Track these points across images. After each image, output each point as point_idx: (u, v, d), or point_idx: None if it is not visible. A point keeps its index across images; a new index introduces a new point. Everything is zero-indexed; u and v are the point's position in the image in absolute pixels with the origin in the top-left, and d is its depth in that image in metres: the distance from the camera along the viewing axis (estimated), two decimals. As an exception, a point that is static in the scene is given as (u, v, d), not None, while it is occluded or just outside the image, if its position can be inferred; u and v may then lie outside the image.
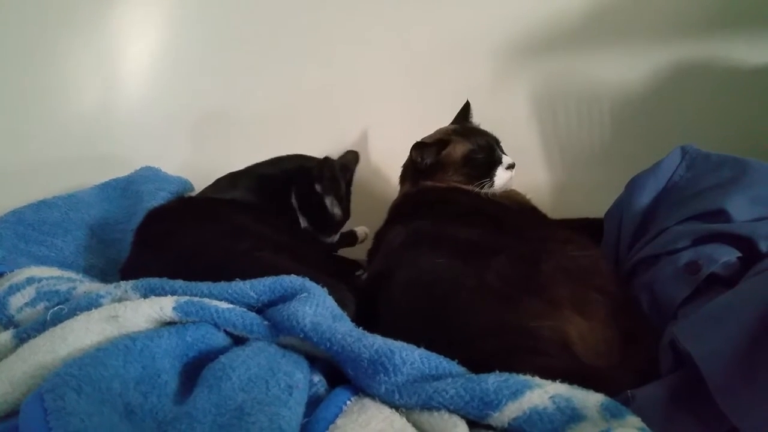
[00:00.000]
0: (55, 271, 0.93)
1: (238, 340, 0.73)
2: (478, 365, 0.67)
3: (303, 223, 1.20)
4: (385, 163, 1.56)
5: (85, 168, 1.42)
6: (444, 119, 1.37)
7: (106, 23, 1.48)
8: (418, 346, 0.68)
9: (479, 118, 1.36)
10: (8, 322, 0.83)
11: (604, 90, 1.50)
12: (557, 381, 0.62)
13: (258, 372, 0.64)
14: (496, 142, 1.27)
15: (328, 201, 1.20)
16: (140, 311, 0.70)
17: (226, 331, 0.73)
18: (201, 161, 1.54)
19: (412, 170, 1.28)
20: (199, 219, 1.04)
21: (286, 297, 0.75)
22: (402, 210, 1.21)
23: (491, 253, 0.88)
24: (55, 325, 0.70)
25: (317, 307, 0.72)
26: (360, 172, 1.32)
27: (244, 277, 0.78)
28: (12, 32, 1.38)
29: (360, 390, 0.67)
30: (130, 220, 1.17)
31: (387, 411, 0.63)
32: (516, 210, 1.18)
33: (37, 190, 1.25)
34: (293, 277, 0.77)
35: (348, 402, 0.65)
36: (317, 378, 0.69)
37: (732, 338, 0.60)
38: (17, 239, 1.12)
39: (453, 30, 1.53)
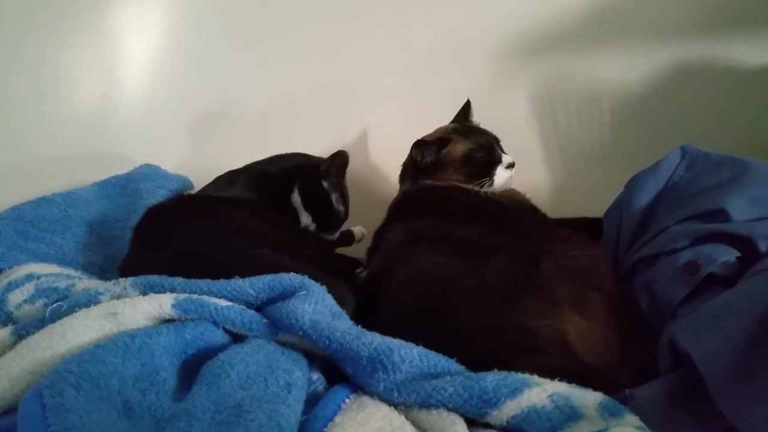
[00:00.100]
0: (54, 268, 0.94)
1: (237, 338, 0.73)
2: (476, 364, 0.67)
3: (303, 221, 1.20)
4: (385, 162, 1.56)
5: (84, 165, 1.42)
6: (444, 118, 1.37)
7: (105, 21, 1.48)
8: (417, 345, 0.68)
9: (479, 118, 1.36)
10: (7, 319, 0.83)
11: (604, 90, 1.50)
12: (556, 380, 0.62)
13: (257, 369, 0.64)
14: (496, 141, 1.27)
15: (334, 198, 1.21)
16: (139, 308, 0.70)
17: (225, 329, 0.73)
18: (200, 159, 1.54)
19: (412, 169, 1.28)
20: (199, 217, 1.04)
21: (285, 295, 0.75)
22: (402, 209, 1.22)
23: (491, 252, 0.89)
24: (53, 321, 0.70)
25: (316, 305, 0.72)
26: (360, 171, 1.33)
27: (243, 275, 0.78)
28: (11, 30, 1.37)
29: (359, 388, 0.67)
30: (130, 217, 1.17)
31: (385, 409, 0.63)
32: (515, 209, 1.18)
33: (36, 187, 1.25)
34: (292, 275, 0.77)
35: (347, 400, 0.65)
36: (316, 376, 0.69)
37: (731, 338, 0.60)
38: (16, 236, 1.12)
39: (453, 29, 1.53)
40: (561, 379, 0.62)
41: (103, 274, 1.09)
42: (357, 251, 1.29)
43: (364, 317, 0.79)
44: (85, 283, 0.87)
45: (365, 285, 1.00)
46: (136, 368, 0.62)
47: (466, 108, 1.37)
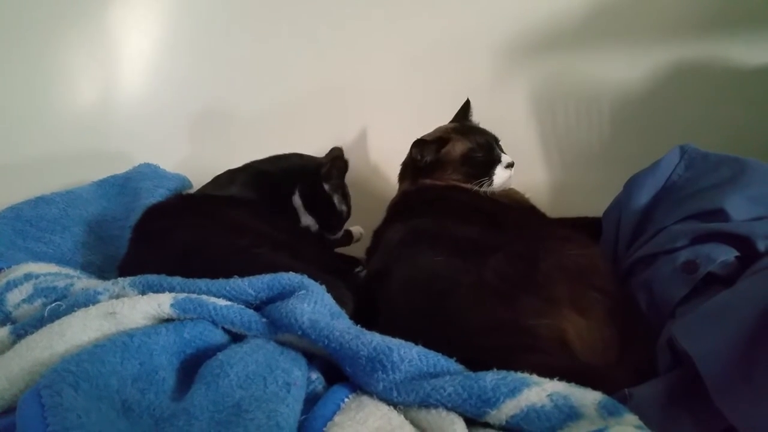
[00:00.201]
0: (52, 268, 0.94)
1: (236, 338, 0.73)
2: (476, 363, 0.67)
3: (304, 221, 1.20)
4: (385, 161, 1.56)
5: (83, 165, 1.42)
6: (443, 118, 1.37)
7: (104, 19, 1.48)
8: (416, 344, 0.68)
9: (479, 117, 1.36)
10: (5, 318, 0.83)
11: (604, 90, 1.50)
12: (555, 379, 0.62)
13: (256, 369, 0.64)
14: (496, 140, 1.27)
15: (336, 199, 1.21)
16: (138, 308, 0.70)
17: (224, 328, 0.73)
18: (199, 158, 1.54)
19: (411, 168, 1.28)
20: (198, 216, 1.04)
21: (285, 294, 0.75)
22: (401, 208, 1.21)
23: (490, 251, 0.89)
24: (52, 321, 0.70)
25: (315, 305, 0.72)
26: (359, 170, 1.32)
27: (242, 274, 0.78)
28: (10, 28, 1.37)
29: (358, 387, 0.67)
30: (128, 217, 1.17)
31: (385, 408, 0.63)
32: (515, 209, 1.18)
33: (35, 187, 1.25)
34: (291, 275, 0.77)
35: (346, 399, 0.65)
36: (315, 375, 0.69)
37: (730, 337, 0.60)
38: (15, 235, 1.12)
39: (453, 29, 1.53)
40: (560, 379, 0.62)
41: (102, 273, 1.09)
42: (356, 250, 1.29)
43: (364, 316, 0.79)
44: (84, 282, 0.87)
45: (364, 284, 1.00)
46: (134, 368, 0.62)
47: (466, 107, 1.37)
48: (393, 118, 1.54)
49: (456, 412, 0.62)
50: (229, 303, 0.74)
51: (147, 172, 1.34)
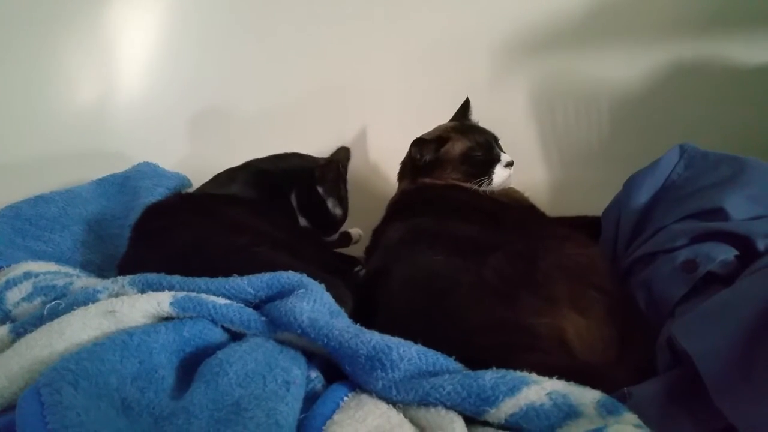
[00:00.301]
0: (52, 266, 0.93)
1: (236, 336, 0.73)
2: (475, 362, 0.67)
3: (301, 220, 1.20)
4: (384, 160, 1.56)
5: (82, 163, 1.41)
6: (443, 117, 1.37)
7: (104, 18, 1.48)
8: (416, 343, 0.68)
9: (478, 116, 1.36)
10: (5, 317, 0.83)
11: (603, 88, 1.50)
12: (554, 378, 0.62)
13: (255, 368, 0.64)
14: (495, 139, 1.27)
15: (330, 203, 1.21)
16: (137, 306, 0.70)
17: (223, 327, 0.73)
18: (199, 157, 1.53)
19: (410, 167, 1.28)
20: (197, 215, 1.03)
21: (284, 293, 0.75)
22: (400, 207, 1.21)
23: (489, 250, 0.89)
24: (52, 320, 0.70)
25: (315, 304, 0.72)
26: (358, 169, 1.32)
27: (241, 273, 0.78)
28: (8, 27, 1.37)
29: (357, 386, 0.67)
30: (128, 215, 1.17)
31: (384, 407, 0.63)
32: (514, 208, 1.18)
33: (34, 185, 1.25)
34: (291, 273, 0.77)
35: (345, 398, 0.65)
36: (314, 374, 0.69)
37: (729, 336, 0.60)
38: (14, 234, 1.12)
39: (452, 28, 1.53)
40: (559, 378, 0.62)
41: (101, 272, 1.09)
42: (355, 250, 1.29)
43: (363, 315, 0.79)
44: (84, 281, 0.87)
45: (364, 283, 1.00)
46: (134, 366, 0.62)
47: (465, 106, 1.37)
48: (392, 117, 1.54)
49: (455, 410, 0.62)
50: (228, 302, 0.73)
51: (146, 171, 1.34)
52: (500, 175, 1.20)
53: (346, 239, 1.32)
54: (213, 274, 0.78)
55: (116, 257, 1.06)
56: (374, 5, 1.53)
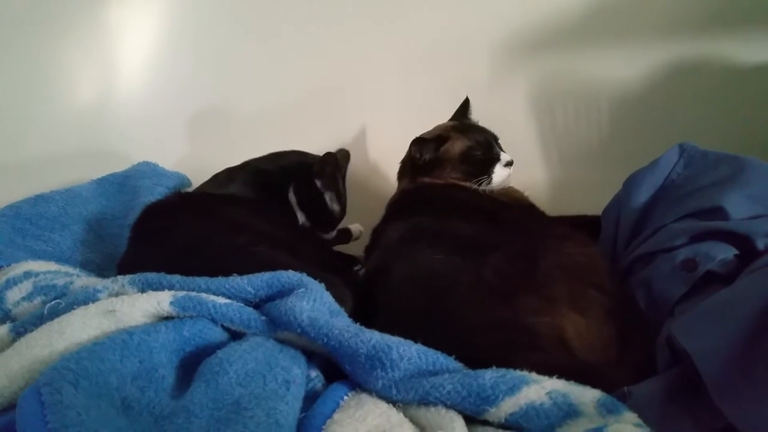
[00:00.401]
0: (52, 266, 0.93)
1: (236, 335, 0.74)
2: (475, 361, 0.67)
3: (301, 218, 1.20)
4: (384, 160, 1.56)
5: (82, 163, 1.41)
6: (443, 116, 1.37)
7: (103, 17, 1.48)
8: (416, 342, 0.68)
9: (478, 115, 1.36)
10: (5, 316, 0.83)
11: (603, 88, 1.50)
12: (554, 377, 0.62)
13: (255, 367, 0.64)
14: (495, 139, 1.27)
15: (328, 197, 1.20)
16: (137, 306, 0.70)
17: (223, 326, 0.73)
18: (198, 157, 1.53)
19: (410, 166, 1.28)
20: (197, 214, 1.03)
21: (284, 292, 0.75)
22: (400, 206, 1.21)
23: (489, 249, 0.88)
24: (52, 319, 0.70)
25: (314, 303, 0.72)
26: (358, 169, 1.32)
27: (241, 272, 0.78)
28: (8, 27, 1.37)
29: (357, 385, 0.67)
30: (128, 215, 1.17)
31: (384, 406, 0.63)
32: (514, 207, 1.18)
33: (34, 185, 1.25)
34: (291, 273, 0.77)
35: (345, 397, 0.65)
36: (314, 373, 0.69)
37: (729, 335, 0.60)
38: (14, 233, 1.12)
39: (451, 28, 1.53)
40: (559, 377, 0.62)
41: (101, 271, 1.09)
42: (355, 249, 1.29)
43: (363, 315, 0.79)
44: (84, 280, 0.87)
45: (363, 282, 1.00)
46: (134, 366, 0.62)
47: (465, 106, 1.37)
48: (392, 117, 1.54)
49: (455, 409, 0.62)
50: (228, 301, 0.74)
51: (146, 171, 1.34)
52: (500, 175, 1.20)
53: (346, 236, 1.32)
54: (213, 274, 0.78)
55: (116, 257, 1.06)
56: (374, 5, 1.53)
